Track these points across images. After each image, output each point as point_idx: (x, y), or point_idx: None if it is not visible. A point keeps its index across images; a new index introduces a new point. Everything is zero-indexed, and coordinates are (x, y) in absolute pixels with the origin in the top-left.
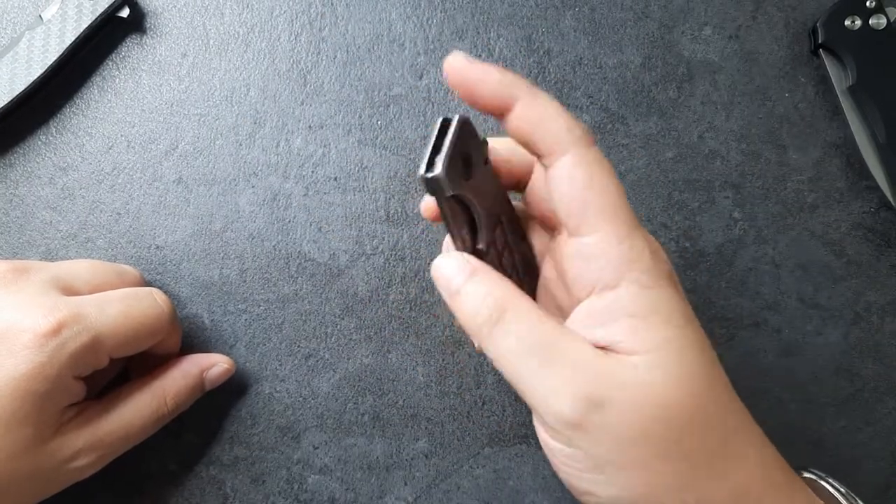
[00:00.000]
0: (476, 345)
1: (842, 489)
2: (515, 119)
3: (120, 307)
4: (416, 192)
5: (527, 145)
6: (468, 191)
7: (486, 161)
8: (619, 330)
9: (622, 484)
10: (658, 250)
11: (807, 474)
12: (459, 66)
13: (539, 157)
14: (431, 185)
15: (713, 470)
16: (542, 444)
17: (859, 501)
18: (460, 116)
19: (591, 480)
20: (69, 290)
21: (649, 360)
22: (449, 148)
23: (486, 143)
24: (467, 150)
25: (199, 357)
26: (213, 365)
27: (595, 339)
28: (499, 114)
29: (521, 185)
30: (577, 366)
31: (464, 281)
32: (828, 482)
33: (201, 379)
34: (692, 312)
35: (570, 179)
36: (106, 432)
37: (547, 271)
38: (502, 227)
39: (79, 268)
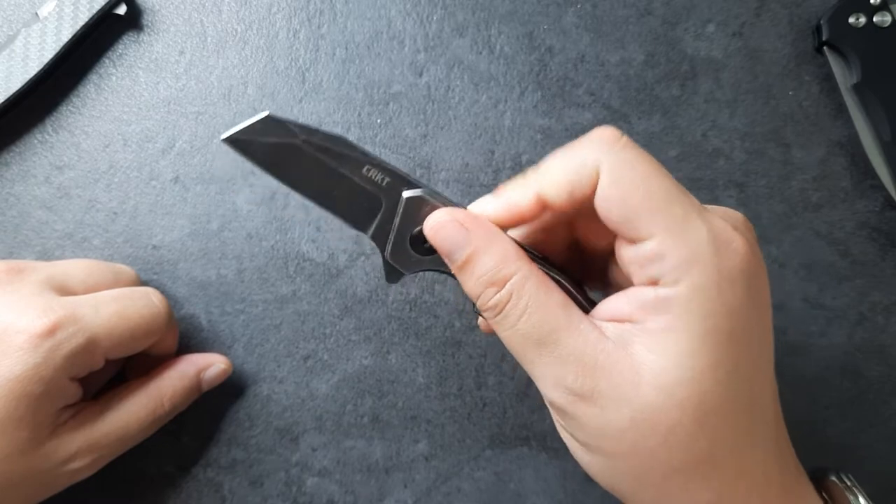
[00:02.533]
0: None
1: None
2: (553, 203)
3: (115, 307)
4: None
5: (575, 202)
6: (432, 265)
7: None
8: (653, 324)
9: (606, 466)
10: (725, 238)
11: (833, 477)
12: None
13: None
14: (388, 273)
15: (696, 476)
16: None
17: None
18: (406, 196)
19: (581, 457)
20: (64, 291)
21: (658, 363)
22: (393, 234)
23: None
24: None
25: (196, 357)
26: (210, 365)
27: (624, 311)
28: (551, 210)
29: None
30: (573, 357)
31: (465, 259)
32: (854, 492)
33: (198, 379)
34: (755, 320)
35: (607, 201)
36: (102, 434)
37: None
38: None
39: (74, 268)
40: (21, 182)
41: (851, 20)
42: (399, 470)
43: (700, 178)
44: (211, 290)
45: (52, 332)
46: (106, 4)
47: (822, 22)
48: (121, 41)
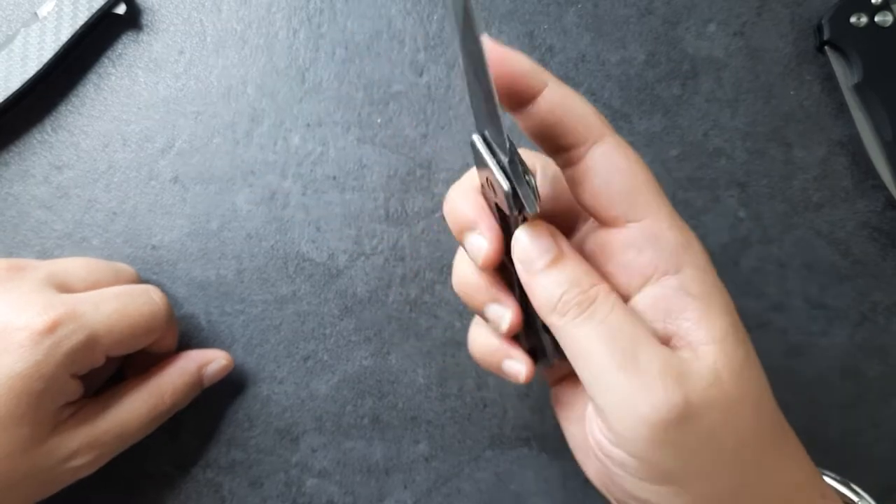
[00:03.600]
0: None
1: (864, 494)
2: (546, 102)
3: (116, 304)
4: (416, 190)
5: (553, 135)
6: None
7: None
8: (687, 318)
9: (683, 495)
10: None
11: (825, 478)
12: (496, 46)
13: (566, 148)
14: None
15: (768, 470)
16: (593, 449)
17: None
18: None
19: (651, 491)
20: (64, 288)
21: (716, 351)
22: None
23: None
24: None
25: (196, 353)
26: (210, 361)
27: (658, 330)
28: (524, 98)
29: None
30: (661, 368)
31: (552, 260)
32: (849, 486)
33: (199, 376)
34: None
35: (612, 167)
36: (103, 431)
37: None
38: None
39: (74, 265)
40: (20, 182)
41: (853, 20)
42: (399, 471)
43: (701, 178)
44: (210, 290)
45: (52, 328)
46: (105, 4)
47: (823, 21)
48: (120, 41)
